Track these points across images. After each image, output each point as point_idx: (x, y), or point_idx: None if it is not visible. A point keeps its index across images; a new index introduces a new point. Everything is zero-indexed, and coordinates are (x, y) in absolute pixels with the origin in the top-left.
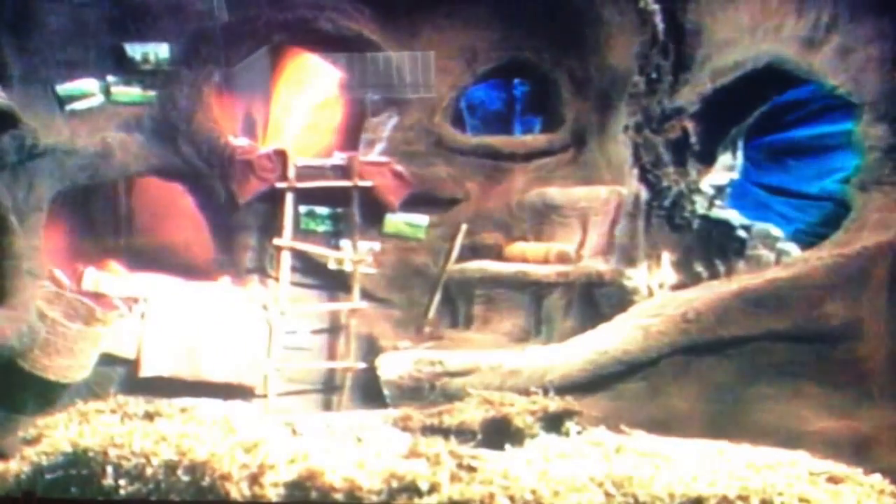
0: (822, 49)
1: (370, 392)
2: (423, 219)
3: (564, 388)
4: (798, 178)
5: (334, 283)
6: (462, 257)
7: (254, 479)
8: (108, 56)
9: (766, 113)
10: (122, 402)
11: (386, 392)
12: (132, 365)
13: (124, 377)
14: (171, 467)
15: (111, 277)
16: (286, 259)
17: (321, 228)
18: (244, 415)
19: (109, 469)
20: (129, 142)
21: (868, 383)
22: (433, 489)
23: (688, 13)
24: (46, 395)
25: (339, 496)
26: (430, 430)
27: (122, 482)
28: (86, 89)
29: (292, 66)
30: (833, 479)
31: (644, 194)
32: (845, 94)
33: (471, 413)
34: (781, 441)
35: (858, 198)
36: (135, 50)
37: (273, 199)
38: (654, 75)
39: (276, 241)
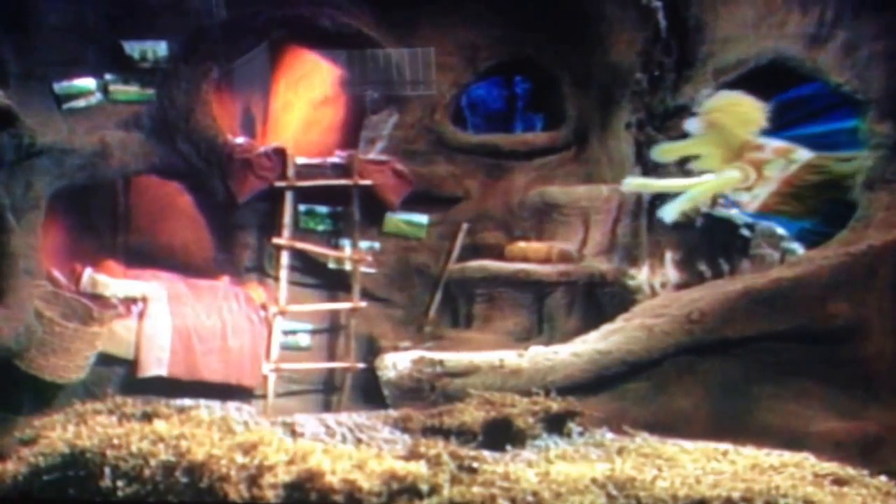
0: (826, 46)
1: (370, 392)
2: (423, 218)
3: (566, 389)
4: None
5: (334, 282)
6: (463, 256)
7: (252, 481)
8: (105, 54)
9: (770, 110)
10: (119, 403)
11: (386, 392)
12: (130, 365)
13: (122, 377)
14: (169, 468)
15: (109, 277)
16: (285, 258)
17: (321, 227)
18: (243, 415)
19: (107, 470)
20: (127, 140)
21: (874, 383)
22: (434, 491)
23: (690, 10)
24: (43, 395)
25: (338, 498)
26: (430, 431)
27: (119, 483)
28: (84, 87)
29: (291, 64)
30: (838, 481)
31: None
32: (850, 91)
33: (471, 414)
34: (786, 442)
35: (864, 196)
36: (133, 48)
37: (272, 198)
38: (656, 72)
39: (275, 241)
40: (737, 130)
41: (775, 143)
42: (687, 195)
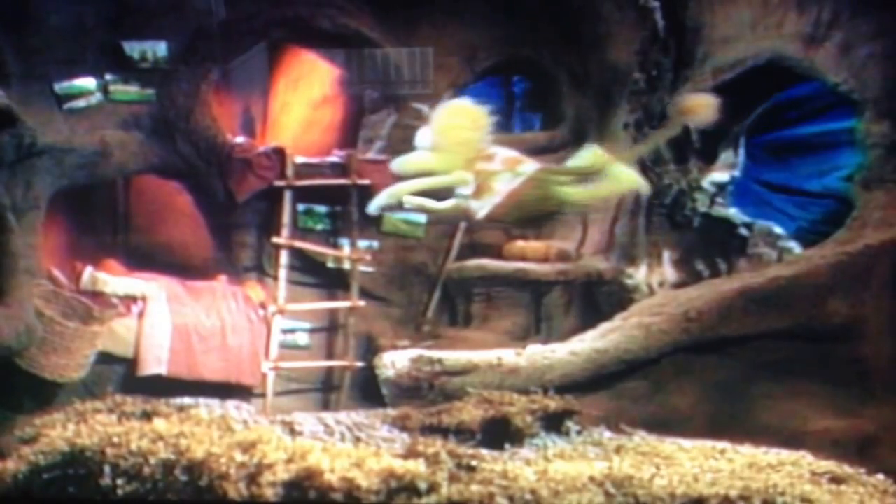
0: (823, 46)
1: (369, 391)
2: (421, 217)
3: (564, 388)
4: (800, 175)
5: (333, 281)
6: (461, 255)
7: (252, 479)
8: (106, 54)
9: (768, 110)
10: (119, 402)
11: (384, 391)
12: (130, 364)
13: (122, 376)
14: (168, 467)
15: (109, 276)
16: (284, 257)
17: (319, 227)
18: (242, 414)
19: (107, 468)
20: (127, 140)
21: (871, 382)
22: (432, 489)
23: (688, 10)
24: (43, 394)
25: (337, 496)
26: (428, 430)
27: (119, 482)
28: (84, 87)
29: (290, 64)
30: (836, 479)
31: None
32: (847, 91)
33: (470, 412)
34: (783, 440)
35: (861, 195)
36: (133, 48)
37: (271, 198)
38: (654, 72)
39: (274, 240)
40: (462, 138)
41: (505, 154)
42: (392, 190)
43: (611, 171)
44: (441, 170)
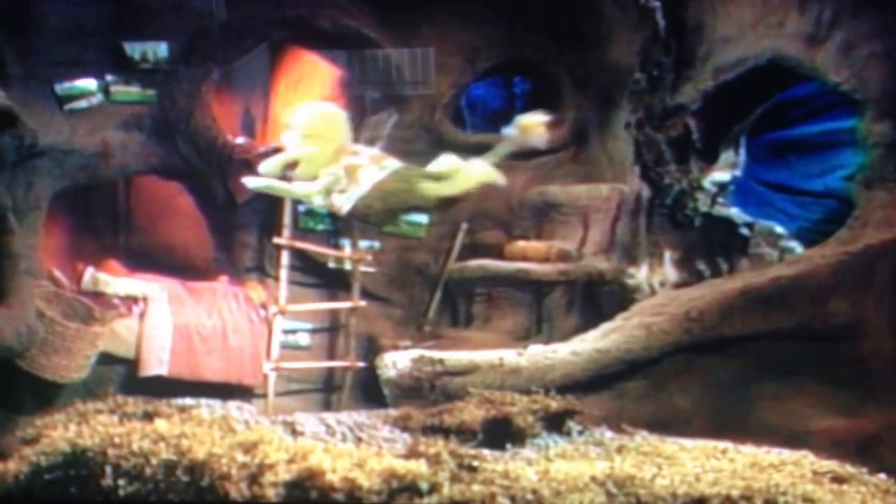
0: (824, 45)
1: (370, 391)
2: (423, 217)
3: (566, 387)
4: (801, 175)
5: (334, 281)
6: (462, 256)
7: (253, 479)
8: (106, 55)
9: (769, 110)
10: (120, 402)
11: (386, 391)
12: (131, 364)
13: (123, 377)
14: (170, 467)
15: (110, 277)
16: (285, 258)
17: (320, 227)
18: (244, 414)
19: (108, 469)
20: (128, 141)
21: (873, 382)
22: (433, 489)
23: (689, 9)
24: (44, 394)
25: (338, 496)
26: (430, 430)
27: (120, 482)
28: (85, 88)
29: (291, 65)
30: (837, 479)
31: (646, 192)
32: (849, 90)
33: (471, 412)
34: (785, 440)
35: (862, 195)
36: (133, 49)
37: (272, 198)
38: (655, 72)
39: (275, 240)
40: (330, 138)
41: (370, 151)
42: (270, 182)
43: (464, 170)
44: (310, 163)
